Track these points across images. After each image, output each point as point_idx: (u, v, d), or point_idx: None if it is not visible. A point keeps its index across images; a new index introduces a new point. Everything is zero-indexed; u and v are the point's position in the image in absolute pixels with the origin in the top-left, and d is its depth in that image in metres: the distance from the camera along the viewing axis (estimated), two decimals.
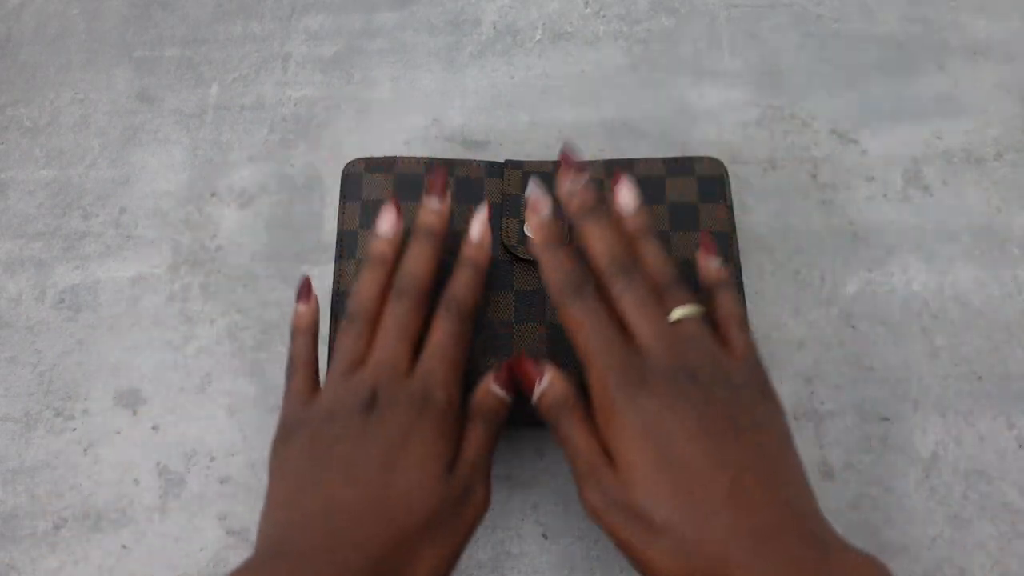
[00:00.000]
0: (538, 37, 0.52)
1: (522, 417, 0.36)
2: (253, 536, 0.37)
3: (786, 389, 0.40)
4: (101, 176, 0.48)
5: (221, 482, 0.39)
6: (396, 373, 0.31)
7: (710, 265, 0.34)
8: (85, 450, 0.40)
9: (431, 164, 0.40)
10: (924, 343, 0.42)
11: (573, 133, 0.48)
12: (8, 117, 0.50)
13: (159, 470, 0.39)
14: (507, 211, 0.39)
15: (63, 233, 0.46)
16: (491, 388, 0.33)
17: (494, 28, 0.53)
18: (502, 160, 0.41)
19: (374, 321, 0.33)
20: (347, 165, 0.40)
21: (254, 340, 0.42)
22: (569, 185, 0.34)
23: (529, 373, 0.32)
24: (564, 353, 0.35)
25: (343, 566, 0.26)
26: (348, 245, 0.38)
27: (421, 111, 0.49)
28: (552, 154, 0.47)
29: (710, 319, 0.32)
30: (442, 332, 0.33)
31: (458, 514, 0.30)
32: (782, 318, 0.42)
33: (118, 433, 0.40)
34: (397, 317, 0.33)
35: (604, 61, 0.51)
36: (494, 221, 0.39)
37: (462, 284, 0.34)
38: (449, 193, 0.37)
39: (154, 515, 0.38)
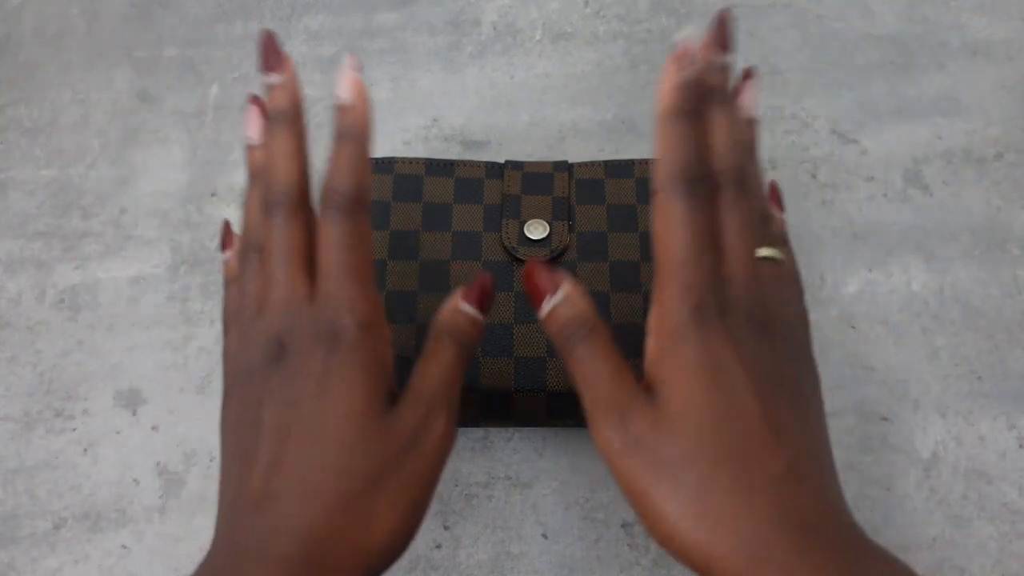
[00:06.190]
0: (538, 37, 0.52)
1: (523, 416, 0.36)
2: None
3: None
4: (101, 176, 0.48)
5: None
6: (294, 308, 0.26)
7: (776, 218, 0.30)
8: (85, 450, 0.40)
9: (431, 164, 0.40)
10: (924, 343, 0.42)
11: (573, 133, 0.48)
12: (8, 117, 0.50)
13: (159, 470, 0.39)
14: (507, 212, 0.39)
15: (63, 233, 0.46)
16: (460, 306, 0.28)
17: (494, 28, 0.53)
18: (502, 160, 0.41)
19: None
20: None
21: None
22: (695, 67, 0.26)
23: (540, 283, 0.27)
24: None
25: (277, 550, 0.23)
26: None
27: (421, 111, 0.49)
28: (552, 155, 0.48)
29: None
30: (331, 241, 0.26)
31: (413, 455, 0.25)
32: None
33: (118, 433, 0.40)
34: (276, 238, 0.27)
35: (604, 61, 0.51)
36: (494, 223, 0.39)
37: (341, 168, 0.27)
38: (291, 60, 0.29)
39: (154, 515, 0.38)
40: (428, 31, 0.52)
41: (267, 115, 0.29)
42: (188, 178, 0.47)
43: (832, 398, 0.40)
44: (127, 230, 0.46)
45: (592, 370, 0.25)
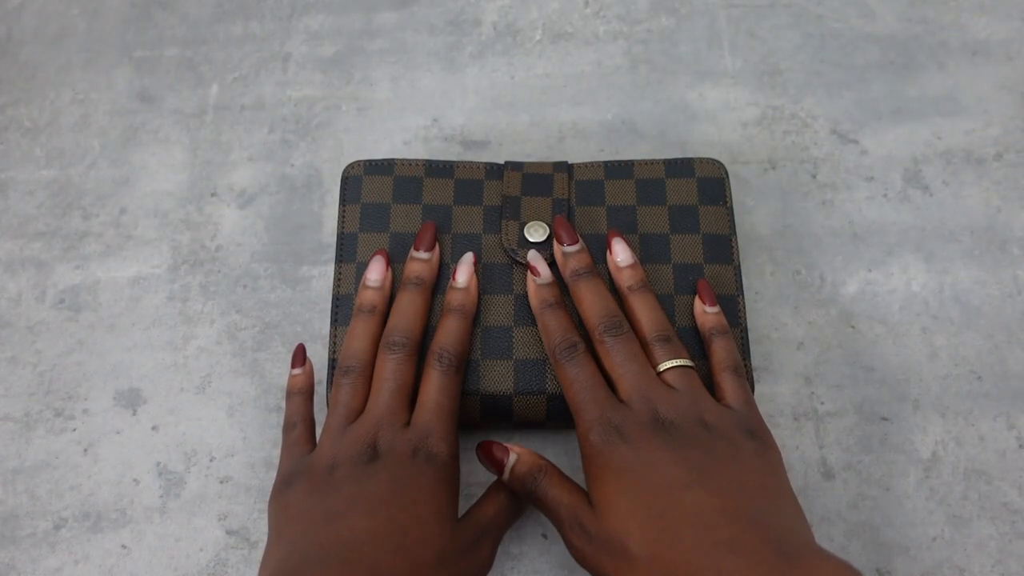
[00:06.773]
0: (538, 37, 0.52)
1: (525, 416, 0.36)
2: (253, 536, 0.37)
3: (786, 389, 0.40)
4: (101, 176, 0.48)
5: (221, 482, 0.39)
6: (394, 426, 0.32)
7: (707, 313, 0.36)
8: (85, 450, 0.40)
9: (430, 165, 0.40)
10: (924, 343, 0.42)
11: (573, 133, 0.48)
12: (8, 117, 0.50)
13: (159, 470, 0.39)
14: (507, 213, 0.39)
15: (63, 233, 0.46)
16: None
17: (494, 28, 0.53)
18: (502, 161, 0.41)
19: (368, 371, 0.34)
20: (347, 167, 0.40)
21: (254, 340, 0.42)
22: (563, 252, 0.36)
23: (495, 455, 0.33)
24: None
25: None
26: (348, 248, 0.38)
27: (421, 111, 0.49)
28: (552, 155, 0.47)
29: (708, 363, 0.35)
30: (434, 385, 0.33)
31: (464, 561, 0.30)
32: (782, 318, 0.42)
33: (118, 433, 0.40)
34: (390, 370, 0.34)
35: (604, 61, 0.51)
36: (494, 224, 0.39)
37: (451, 333, 0.35)
38: (437, 246, 0.37)
39: (154, 515, 0.38)
40: (428, 31, 0.52)
41: (388, 263, 0.37)
42: (188, 178, 0.47)
43: (832, 398, 0.40)
44: (127, 230, 0.46)
45: (553, 499, 0.31)
